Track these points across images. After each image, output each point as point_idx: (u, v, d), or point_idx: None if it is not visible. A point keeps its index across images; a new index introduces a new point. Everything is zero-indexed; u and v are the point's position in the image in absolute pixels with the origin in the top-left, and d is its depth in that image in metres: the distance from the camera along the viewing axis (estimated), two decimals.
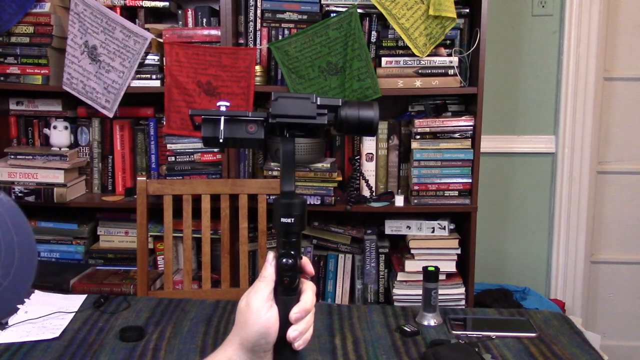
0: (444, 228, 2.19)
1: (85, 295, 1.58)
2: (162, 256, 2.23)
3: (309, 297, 0.76)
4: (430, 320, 1.43)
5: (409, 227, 2.22)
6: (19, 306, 1.51)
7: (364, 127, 0.78)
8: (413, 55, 2.09)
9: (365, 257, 2.29)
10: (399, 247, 2.35)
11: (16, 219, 0.60)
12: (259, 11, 2.19)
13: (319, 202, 2.16)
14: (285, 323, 0.77)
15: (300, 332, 0.76)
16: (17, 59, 2.19)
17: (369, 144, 2.25)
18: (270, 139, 0.77)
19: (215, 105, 0.78)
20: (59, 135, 2.26)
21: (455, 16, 2.04)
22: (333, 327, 1.42)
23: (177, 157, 2.20)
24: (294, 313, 0.76)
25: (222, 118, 0.75)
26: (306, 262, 0.80)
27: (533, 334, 1.38)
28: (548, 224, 2.61)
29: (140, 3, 2.18)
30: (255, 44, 2.20)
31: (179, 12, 2.26)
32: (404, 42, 2.07)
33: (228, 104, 0.76)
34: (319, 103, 0.76)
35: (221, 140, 0.75)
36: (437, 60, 2.12)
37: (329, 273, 2.33)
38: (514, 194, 2.60)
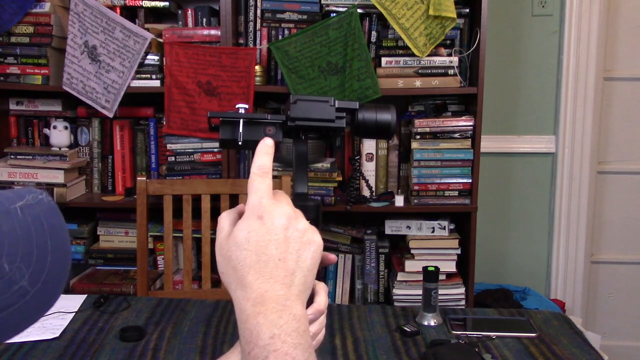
0: (444, 228, 2.19)
1: (85, 295, 1.58)
2: (162, 256, 2.23)
3: (322, 298, 0.74)
4: (430, 320, 1.43)
5: (409, 227, 2.22)
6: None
7: (381, 130, 0.78)
8: (413, 55, 2.08)
9: (365, 257, 2.29)
10: (399, 247, 2.35)
11: (54, 221, 0.56)
12: (259, 11, 2.19)
13: None
14: None
15: (314, 334, 0.74)
16: (17, 59, 2.19)
17: (369, 144, 2.25)
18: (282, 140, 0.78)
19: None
20: (59, 135, 2.26)
21: (455, 16, 2.04)
22: (333, 327, 1.42)
23: (177, 157, 2.20)
24: (307, 315, 0.75)
25: (241, 120, 0.75)
26: (325, 254, 0.78)
27: (533, 334, 1.38)
28: (548, 224, 2.61)
29: (140, 3, 2.18)
30: (255, 44, 2.20)
31: (179, 12, 2.26)
32: (404, 42, 2.07)
33: (247, 106, 0.76)
34: (337, 106, 0.76)
35: (240, 143, 0.75)
36: (437, 60, 2.12)
37: (329, 273, 2.33)
38: (514, 194, 2.60)
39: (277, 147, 0.76)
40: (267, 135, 0.75)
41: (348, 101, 0.76)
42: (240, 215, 0.63)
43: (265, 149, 0.64)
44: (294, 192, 0.76)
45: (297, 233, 0.61)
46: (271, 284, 0.58)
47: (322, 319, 0.77)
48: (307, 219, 0.70)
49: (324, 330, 0.78)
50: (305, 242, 0.61)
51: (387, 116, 0.78)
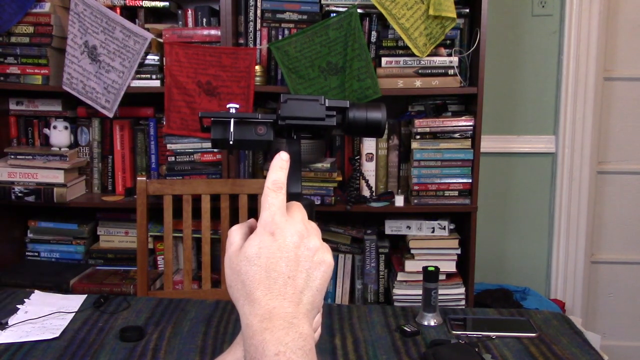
0: (444, 228, 2.19)
1: (85, 295, 1.58)
2: (162, 256, 2.23)
3: None
4: (430, 320, 1.43)
5: (409, 227, 2.22)
6: (19, 306, 1.51)
7: (371, 129, 0.78)
8: (413, 55, 2.08)
9: (365, 257, 2.29)
10: (399, 247, 2.35)
11: None
12: (259, 11, 2.19)
13: (319, 202, 2.16)
14: None
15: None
16: (17, 59, 2.19)
17: (369, 144, 2.25)
18: (274, 139, 0.78)
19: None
20: (59, 135, 2.26)
21: (455, 16, 2.04)
22: (333, 327, 1.42)
23: (177, 157, 2.20)
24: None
25: (232, 120, 0.75)
26: None
27: (533, 334, 1.38)
28: (548, 224, 2.61)
29: (140, 3, 2.18)
30: (255, 44, 2.20)
31: (179, 12, 2.26)
32: (404, 42, 2.07)
33: (237, 106, 0.76)
34: (327, 105, 0.76)
35: (231, 142, 0.75)
36: (437, 60, 2.12)
37: None
38: (514, 194, 2.60)
39: (270, 146, 0.76)
40: (258, 134, 0.76)
41: (339, 100, 0.77)
42: (251, 229, 0.63)
43: (280, 163, 0.64)
44: (288, 192, 0.74)
45: (308, 252, 0.60)
46: (279, 301, 0.57)
47: (318, 318, 0.77)
48: None
49: (319, 330, 0.78)
50: (316, 261, 0.60)
51: (377, 114, 0.78)
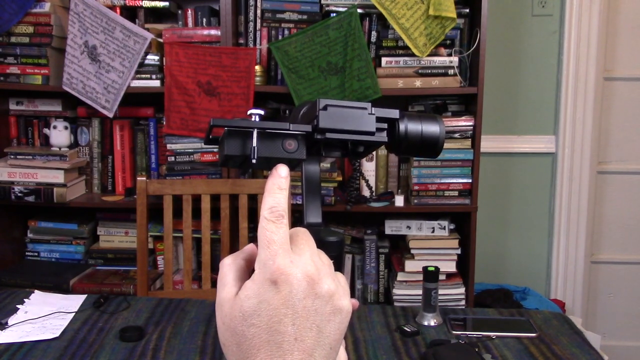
0: (444, 228, 2.19)
1: (85, 295, 1.58)
2: (162, 256, 2.23)
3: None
4: (430, 320, 1.43)
5: (409, 227, 2.22)
6: (18, 306, 1.51)
7: (426, 147, 0.62)
8: (413, 55, 2.08)
9: (365, 257, 2.29)
10: (399, 247, 2.35)
11: None
12: (259, 11, 2.19)
13: None
14: None
15: None
16: (17, 59, 2.19)
17: None
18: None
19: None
20: (59, 135, 2.26)
21: (455, 16, 2.04)
22: None
23: (177, 157, 2.20)
24: None
25: (255, 131, 0.56)
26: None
27: (533, 334, 1.38)
28: (548, 224, 2.61)
29: (140, 3, 2.18)
30: (255, 44, 2.20)
31: (179, 12, 2.26)
32: (404, 42, 2.07)
33: (262, 112, 0.57)
34: (377, 114, 0.59)
35: (254, 160, 0.55)
36: (437, 60, 2.12)
37: None
38: (514, 194, 2.60)
39: (300, 165, 0.59)
40: (287, 151, 0.58)
41: (386, 109, 0.61)
42: (247, 263, 0.50)
43: (278, 182, 0.50)
44: (305, 223, 0.58)
45: (320, 301, 0.47)
46: None
47: (344, 356, 0.67)
48: (329, 256, 0.54)
49: None
50: (330, 312, 0.48)
51: (434, 128, 0.62)
